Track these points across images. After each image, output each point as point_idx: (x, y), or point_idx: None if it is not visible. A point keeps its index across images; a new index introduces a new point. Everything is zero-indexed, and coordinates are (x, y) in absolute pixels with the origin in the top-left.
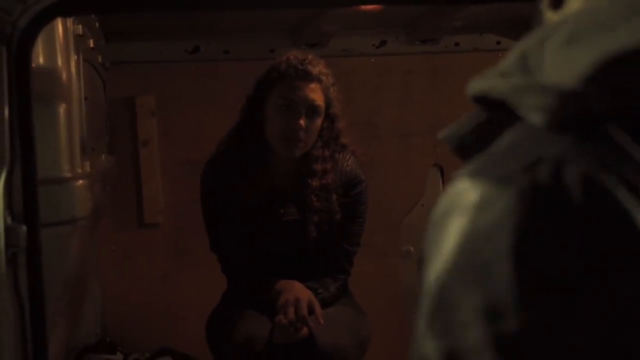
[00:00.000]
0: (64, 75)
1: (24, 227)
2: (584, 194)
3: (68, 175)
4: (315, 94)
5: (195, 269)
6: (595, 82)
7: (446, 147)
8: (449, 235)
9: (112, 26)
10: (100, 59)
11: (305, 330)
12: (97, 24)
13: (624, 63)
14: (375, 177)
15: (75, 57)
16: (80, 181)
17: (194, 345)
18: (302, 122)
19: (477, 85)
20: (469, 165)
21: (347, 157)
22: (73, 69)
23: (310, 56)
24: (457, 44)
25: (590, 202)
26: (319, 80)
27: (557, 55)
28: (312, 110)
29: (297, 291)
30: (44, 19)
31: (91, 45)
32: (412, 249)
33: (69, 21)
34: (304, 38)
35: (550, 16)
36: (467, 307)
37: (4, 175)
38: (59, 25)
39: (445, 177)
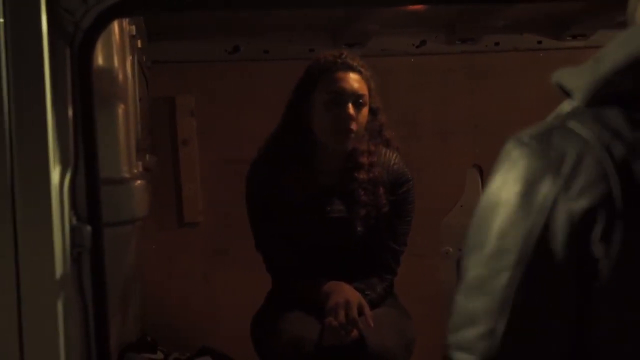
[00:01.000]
0: (121, 76)
1: (89, 227)
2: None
3: (127, 175)
4: (359, 84)
5: (235, 268)
6: (619, 72)
7: (485, 146)
8: (492, 180)
9: (153, 26)
10: (144, 59)
11: (355, 332)
12: (143, 24)
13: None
14: (414, 177)
15: (130, 57)
16: (139, 181)
17: (233, 344)
18: (351, 112)
19: (557, 76)
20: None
21: (394, 154)
22: (129, 70)
23: (345, 51)
24: (497, 44)
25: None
26: (360, 71)
27: (613, 52)
28: (357, 100)
29: (346, 293)
30: (106, 19)
31: (139, 45)
32: (450, 249)
33: (125, 22)
34: (343, 38)
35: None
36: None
37: (68, 175)
38: (115, 26)
39: (485, 178)
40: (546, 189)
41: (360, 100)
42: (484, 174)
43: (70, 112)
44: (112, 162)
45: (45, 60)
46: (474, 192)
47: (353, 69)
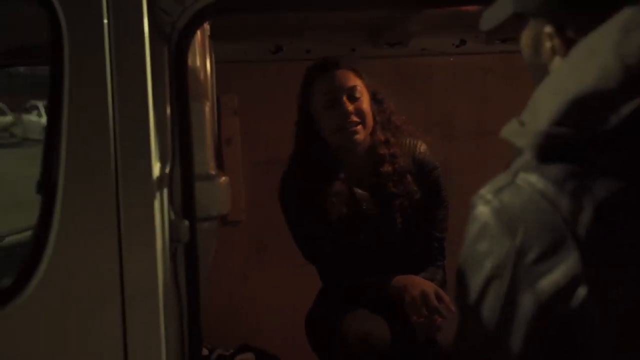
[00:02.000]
0: (202, 75)
1: (186, 222)
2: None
3: (213, 172)
4: (349, 78)
5: (277, 266)
6: (556, 123)
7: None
8: (466, 235)
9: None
10: None
11: (440, 320)
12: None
13: (579, 103)
14: (451, 176)
15: (209, 57)
16: (224, 177)
17: (274, 342)
18: (347, 107)
19: (503, 132)
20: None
21: (418, 143)
22: (208, 69)
23: (329, 56)
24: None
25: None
26: (348, 67)
27: (543, 101)
28: (352, 92)
29: (419, 284)
30: (201, 19)
31: None
32: None
33: (205, 24)
34: (384, 37)
35: (556, 60)
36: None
37: (167, 171)
38: None
39: None
40: (505, 251)
41: (354, 93)
42: None
43: (168, 110)
44: (202, 159)
45: (147, 60)
46: None
47: (338, 67)
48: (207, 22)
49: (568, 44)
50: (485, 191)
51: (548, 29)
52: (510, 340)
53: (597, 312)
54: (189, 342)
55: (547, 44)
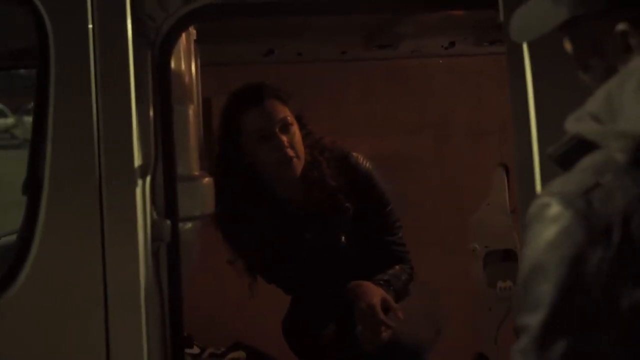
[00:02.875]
0: (187, 78)
1: (168, 222)
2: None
3: (196, 173)
4: (279, 109)
5: None
6: None
7: (512, 146)
8: (532, 239)
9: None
10: None
11: (387, 332)
12: None
13: None
14: (446, 177)
15: (195, 61)
16: (207, 178)
17: (266, 340)
18: (282, 140)
19: (573, 126)
20: (552, 182)
21: (347, 156)
22: (194, 73)
23: (252, 84)
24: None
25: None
26: (275, 96)
27: (632, 101)
28: (283, 124)
29: (368, 295)
30: (183, 25)
31: None
32: (477, 247)
33: (191, 28)
34: (375, 40)
35: (634, 58)
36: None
37: (149, 172)
38: None
39: (511, 177)
40: (599, 257)
41: (286, 123)
42: (510, 173)
43: (151, 113)
44: (185, 160)
45: (130, 64)
46: (501, 191)
47: (266, 98)
48: (192, 27)
49: None
50: (565, 190)
51: (622, 26)
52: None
53: None
54: (172, 339)
55: (621, 43)
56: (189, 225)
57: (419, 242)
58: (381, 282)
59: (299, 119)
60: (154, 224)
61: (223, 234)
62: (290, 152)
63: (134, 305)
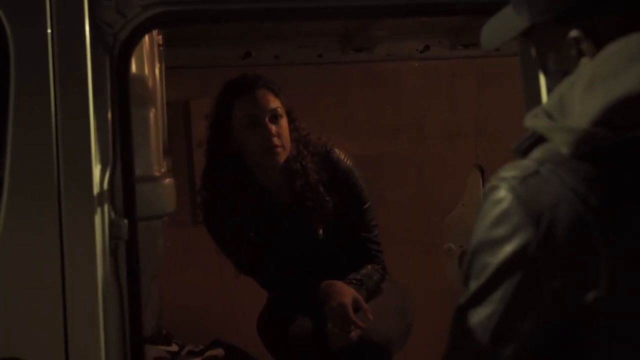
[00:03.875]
0: (151, 82)
1: (125, 221)
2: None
3: (157, 174)
4: (271, 100)
5: None
6: (600, 123)
7: (487, 148)
8: (480, 218)
9: (168, 32)
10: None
11: (356, 332)
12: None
13: (621, 106)
14: (422, 177)
15: (159, 65)
16: (168, 179)
17: (244, 338)
18: (270, 128)
19: (529, 121)
20: (503, 167)
21: (330, 151)
22: (157, 76)
23: (247, 73)
24: (497, 49)
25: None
26: (268, 87)
27: (579, 100)
28: (273, 115)
29: (339, 295)
30: (142, 31)
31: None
32: (453, 246)
33: (154, 32)
34: (351, 43)
35: (584, 61)
36: (481, 262)
37: (107, 173)
38: (145, 36)
39: (486, 177)
40: (526, 239)
41: (276, 114)
42: (485, 173)
43: (109, 116)
44: (145, 162)
45: (88, 68)
46: (476, 191)
47: (260, 87)
48: (157, 32)
49: (598, 46)
50: (509, 175)
51: (574, 33)
52: (519, 329)
53: (610, 313)
54: (131, 337)
55: (572, 49)
56: (150, 223)
57: (394, 241)
58: (354, 281)
59: (288, 113)
60: (111, 222)
61: (205, 217)
62: (277, 141)
63: (91, 303)
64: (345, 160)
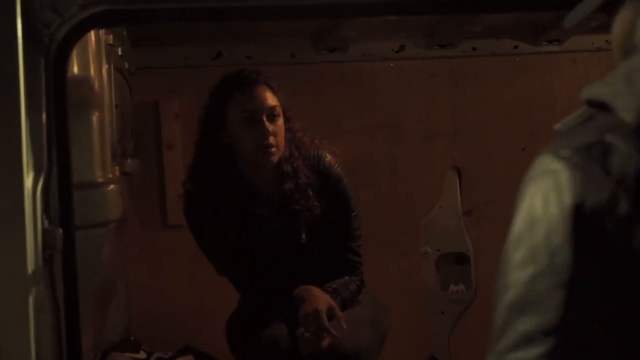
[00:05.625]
0: (97, 84)
1: (60, 230)
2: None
3: (101, 180)
4: (269, 97)
5: None
6: None
7: (464, 149)
8: (526, 194)
9: (137, 32)
10: (126, 65)
11: (327, 340)
12: (124, 32)
13: None
14: (398, 179)
15: (107, 65)
16: (112, 185)
17: (216, 344)
18: (268, 127)
19: (588, 92)
20: (554, 141)
21: (322, 154)
22: (105, 78)
23: (246, 68)
24: (474, 49)
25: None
26: (267, 84)
27: None
28: (271, 113)
29: (315, 301)
30: (80, 31)
31: (119, 53)
32: (429, 249)
33: (101, 32)
34: (324, 43)
35: None
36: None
37: (41, 180)
38: (91, 36)
39: (462, 179)
40: (592, 206)
41: (274, 112)
42: (462, 175)
43: (44, 120)
44: (87, 167)
45: (20, 70)
46: (452, 194)
47: (260, 83)
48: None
49: None
50: (562, 147)
51: None
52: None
53: None
54: (67, 347)
55: None
56: (92, 232)
57: (370, 244)
58: (329, 289)
59: (284, 112)
60: (44, 232)
61: (186, 210)
62: (273, 141)
63: (21, 313)
64: (336, 166)
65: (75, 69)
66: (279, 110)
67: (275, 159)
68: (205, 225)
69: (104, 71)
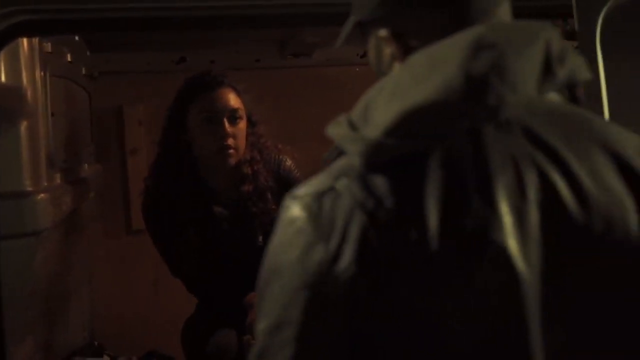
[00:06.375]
0: (29, 93)
1: None
2: (342, 226)
3: (30, 189)
4: (232, 100)
5: None
6: (392, 133)
7: None
8: (272, 242)
9: (99, 37)
10: (84, 70)
11: None
12: (77, 38)
13: (414, 116)
14: None
15: (42, 73)
16: (43, 194)
17: (181, 350)
18: (227, 128)
19: (329, 129)
20: (300, 185)
21: (283, 159)
22: (39, 86)
23: (213, 69)
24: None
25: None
26: (231, 86)
27: (382, 109)
28: (232, 115)
29: None
30: (3, 40)
31: (68, 60)
32: None
33: (35, 40)
34: (289, 48)
35: (396, 66)
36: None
37: None
38: (24, 44)
39: None
40: (319, 258)
41: (236, 115)
42: None
43: None
44: (15, 176)
45: None
46: None
47: (224, 85)
48: (47, 40)
49: (405, 50)
50: (304, 194)
51: (383, 33)
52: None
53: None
54: None
55: (386, 50)
56: (19, 241)
57: None
58: None
59: (249, 116)
60: None
61: (144, 208)
62: (231, 142)
63: None
64: (296, 171)
65: (4, 78)
66: (241, 113)
67: (233, 161)
68: (161, 222)
69: (39, 80)
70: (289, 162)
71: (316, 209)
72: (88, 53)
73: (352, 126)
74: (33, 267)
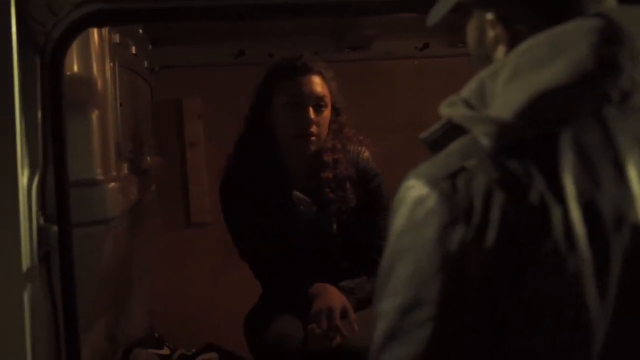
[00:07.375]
0: (99, 83)
1: (55, 228)
2: (481, 205)
3: (101, 177)
4: (319, 87)
5: (242, 267)
6: (524, 115)
7: None
8: (397, 221)
9: (160, 31)
10: (146, 64)
11: (338, 338)
12: (140, 31)
13: (547, 99)
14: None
15: (111, 64)
16: (113, 183)
17: (240, 342)
18: (311, 116)
19: (445, 110)
20: (419, 166)
21: (362, 150)
22: (108, 77)
23: (305, 54)
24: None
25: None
26: (320, 73)
27: (502, 90)
28: (318, 103)
29: (329, 299)
30: (76, 30)
31: (133, 52)
32: None
33: (104, 31)
34: (346, 41)
35: (500, 48)
36: (401, 272)
37: (37, 177)
38: (94, 35)
39: None
40: (460, 237)
41: (321, 103)
42: None
43: (39, 118)
44: (86, 165)
45: (14, 68)
46: None
47: (313, 72)
48: (115, 31)
49: (511, 34)
50: (429, 173)
51: (490, 16)
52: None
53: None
54: (66, 345)
55: (491, 33)
56: (90, 229)
57: None
58: (345, 288)
59: (333, 103)
60: (39, 229)
61: (222, 185)
62: (314, 130)
63: (17, 310)
64: (373, 163)
65: (76, 68)
66: (327, 100)
67: (313, 147)
68: (238, 201)
69: (108, 70)
70: (366, 153)
71: (449, 189)
72: (150, 46)
73: (469, 106)
74: (102, 255)
